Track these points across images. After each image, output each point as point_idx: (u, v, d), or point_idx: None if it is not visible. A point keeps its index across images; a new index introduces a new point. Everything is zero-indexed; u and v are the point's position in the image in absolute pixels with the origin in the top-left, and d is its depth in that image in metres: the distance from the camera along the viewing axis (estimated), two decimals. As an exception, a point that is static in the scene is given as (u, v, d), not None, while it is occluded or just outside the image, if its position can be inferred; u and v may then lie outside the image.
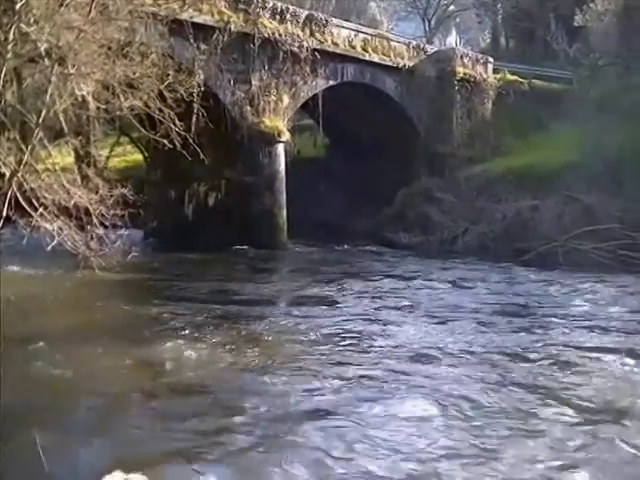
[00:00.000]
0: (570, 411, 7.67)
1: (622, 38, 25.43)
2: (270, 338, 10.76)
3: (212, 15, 21.08)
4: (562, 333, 11.44)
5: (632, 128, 23.41)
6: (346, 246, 23.66)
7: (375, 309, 13.42)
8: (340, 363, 9.37)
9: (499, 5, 43.68)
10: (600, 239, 20.30)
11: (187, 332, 10.73)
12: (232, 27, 21.35)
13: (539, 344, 10.59)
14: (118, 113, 15.00)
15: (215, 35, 20.83)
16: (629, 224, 20.25)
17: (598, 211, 21.15)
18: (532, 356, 9.93)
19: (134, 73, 14.42)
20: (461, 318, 12.63)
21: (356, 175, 28.02)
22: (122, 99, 14.35)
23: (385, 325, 11.89)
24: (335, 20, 26.02)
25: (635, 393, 8.30)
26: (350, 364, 9.33)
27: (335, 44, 25.20)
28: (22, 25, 12.53)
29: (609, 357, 9.81)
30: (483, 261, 20.83)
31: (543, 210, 22.23)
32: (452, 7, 48.71)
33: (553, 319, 12.63)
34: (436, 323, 12.25)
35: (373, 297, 14.71)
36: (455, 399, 7.91)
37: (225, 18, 21.36)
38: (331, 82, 25.27)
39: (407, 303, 14.14)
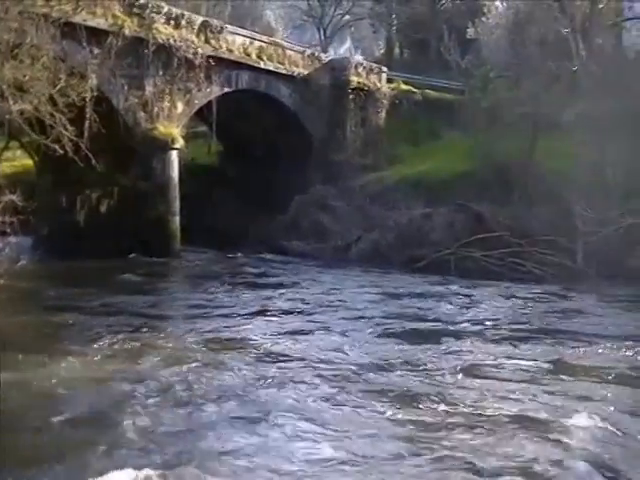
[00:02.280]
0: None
1: (512, 51, 26.09)
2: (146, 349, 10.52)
3: (106, 19, 20.45)
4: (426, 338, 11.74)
5: (521, 138, 24.08)
6: (240, 254, 23.37)
7: (255, 317, 13.48)
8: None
9: (393, 16, 44.26)
10: (490, 247, 20.71)
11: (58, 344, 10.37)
12: (126, 31, 20.79)
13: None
14: (7, 117, 14.39)
15: (109, 39, 20.26)
16: (518, 232, 20.72)
17: (488, 219, 21.58)
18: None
19: (24, 76, 13.92)
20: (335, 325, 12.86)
21: (251, 182, 27.80)
22: (11, 102, 13.81)
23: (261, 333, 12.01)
24: (230, 27, 25.73)
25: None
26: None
27: (230, 51, 24.93)
28: None
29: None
30: (375, 268, 20.99)
31: (435, 218, 22.48)
32: (347, 17, 48.96)
33: (429, 324, 13.01)
34: (316, 330, 12.40)
35: (257, 305, 14.72)
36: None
37: (119, 22, 20.77)
38: (226, 89, 24.98)
39: (288, 310, 14.25)
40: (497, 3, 31.21)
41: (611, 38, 25.39)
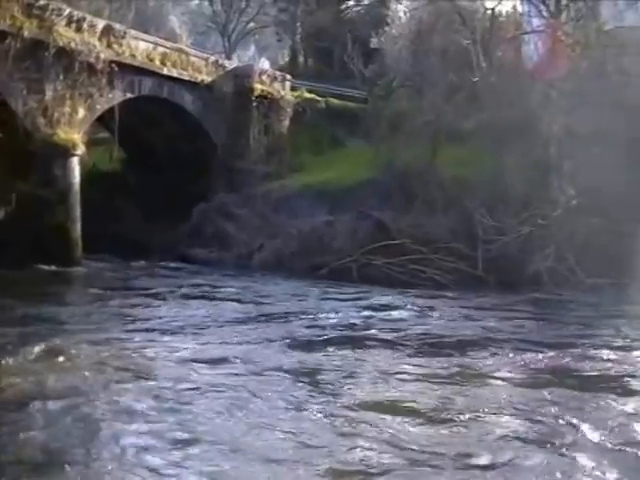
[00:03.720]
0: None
1: (415, 61, 26.39)
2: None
3: (4, 19, 19.69)
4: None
5: (423, 147, 24.34)
6: (143, 262, 22.76)
7: (149, 326, 13.12)
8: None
9: (298, 24, 44.30)
10: (392, 254, 20.79)
11: None
12: (25, 33, 20.05)
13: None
14: None
15: (7, 40, 19.49)
16: (419, 239, 20.87)
17: (390, 227, 21.69)
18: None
19: None
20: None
21: (154, 189, 27.18)
22: None
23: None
24: (134, 32, 25.14)
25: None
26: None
27: (133, 56, 24.34)
28: None
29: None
30: (278, 276, 20.81)
31: (338, 226, 22.47)
32: (252, 24, 48.81)
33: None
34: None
35: (152, 314, 14.36)
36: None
37: (18, 23, 20.02)
38: (128, 95, 24.37)
39: (182, 319, 13.94)
40: (400, 14, 31.56)
41: (511, 50, 25.93)
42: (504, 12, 29.00)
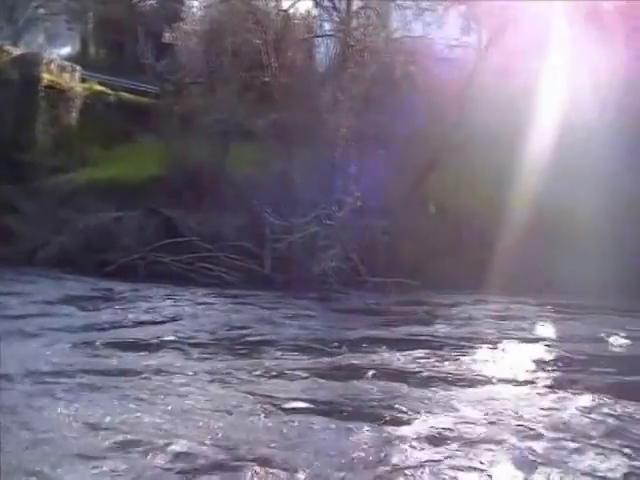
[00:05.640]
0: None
1: (207, 58, 26.17)
2: None
3: None
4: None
5: (215, 145, 24.26)
6: None
7: None
8: None
9: (90, 14, 42.79)
10: (181, 252, 20.59)
11: None
12: None
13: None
14: None
15: None
16: (208, 237, 20.81)
17: (179, 224, 21.49)
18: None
19: None
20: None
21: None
22: None
23: None
24: None
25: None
26: None
27: None
28: None
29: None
30: (64, 273, 20.11)
31: (126, 222, 22.01)
32: (41, 10, 46.61)
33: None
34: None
35: None
36: None
37: None
38: None
39: None
40: (195, 10, 31.24)
41: (302, 53, 26.31)
42: (298, 14, 29.37)
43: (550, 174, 19.61)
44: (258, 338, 12.59)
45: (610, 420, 7.90)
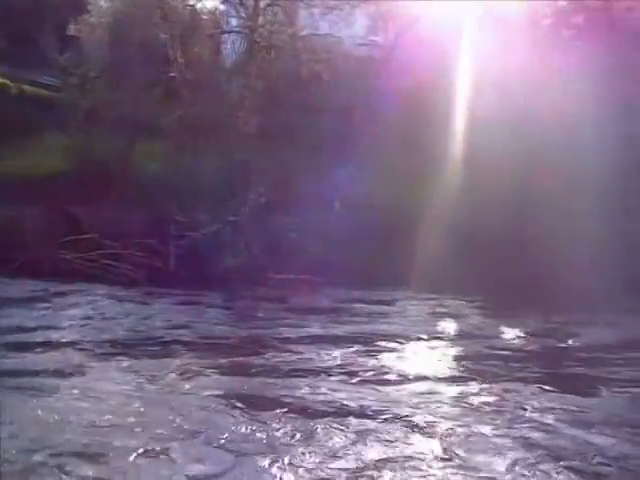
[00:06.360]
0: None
1: (113, 52, 25.82)
2: None
3: None
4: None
5: (121, 140, 23.91)
6: None
7: None
8: None
9: (-8, 3, 41.56)
10: (85, 249, 20.32)
11: None
12: None
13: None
14: None
15: None
16: (113, 234, 20.57)
17: (83, 221, 21.17)
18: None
19: None
20: None
21: None
22: None
23: None
24: None
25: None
26: None
27: None
28: None
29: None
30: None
31: (29, 218, 21.50)
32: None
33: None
34: None
35: None
36: None
37: None
38: None
39: None
40: (101, 2, 30.71)
41: (209, 48, 26.18)
42: (205, 10, 29.20)
43: (464, 171, 20.03)
44: (157, 335, 12.64)
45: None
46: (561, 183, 19.12)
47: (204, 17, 28.65)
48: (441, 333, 14.04)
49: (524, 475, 6.75)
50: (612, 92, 19.25)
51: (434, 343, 12.89)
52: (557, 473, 6.82)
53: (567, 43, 21.61)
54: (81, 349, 11.44)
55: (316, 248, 19.94)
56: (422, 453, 7.21)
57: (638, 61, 20.31)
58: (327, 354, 11.48)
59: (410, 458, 7.06)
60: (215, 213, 20.37)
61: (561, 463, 7.02)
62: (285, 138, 22.04)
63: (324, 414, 8.34)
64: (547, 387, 9.74)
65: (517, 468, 6.87)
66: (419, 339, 13.13)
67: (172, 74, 23.97)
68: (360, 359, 11.16)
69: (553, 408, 8.76)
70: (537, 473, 6.80)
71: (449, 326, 14.75)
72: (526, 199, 19.56)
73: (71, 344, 11.75)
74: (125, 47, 25.55)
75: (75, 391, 8.96)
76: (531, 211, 19.40)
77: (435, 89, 22.01)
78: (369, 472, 6.73)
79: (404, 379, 10.10)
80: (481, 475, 6.72)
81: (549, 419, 8.36)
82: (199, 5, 27.81)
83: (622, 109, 19.48)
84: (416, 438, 7.67)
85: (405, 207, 20.09)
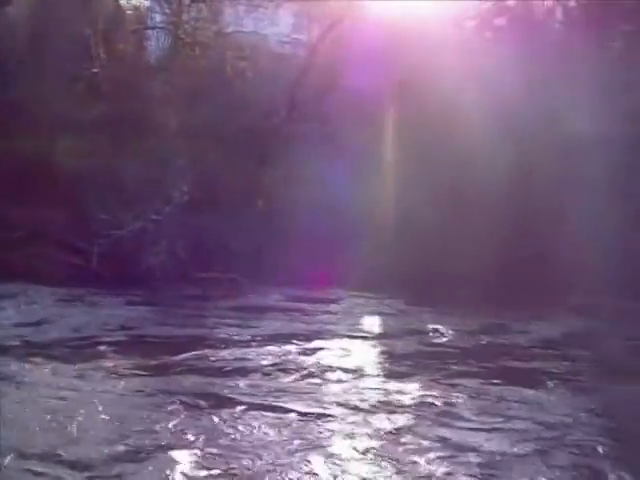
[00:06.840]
0: None
1: (32, 45, 25.36)
2: None
3: None
4: None
5: (42, 138, 23.47)
6: None
7: None
8: None
9: None
10: (8, 248, 19.95)
11: None
12: None
13: None
14: None
15: None
16: (34, 233, 20.40)
17: (4, 219, 20.78)
18: None
19: None
20: None
21: None
22: None
23: None
24: None
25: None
26: None
27: None
28: None
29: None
30: None
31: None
32: None
33: None
34: None
35: None
36: None
37: None
38: None
39: None
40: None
41: (133, 44, 25.98)
42: (130, 5, 28.88)
43: (396, 169, 20.24)
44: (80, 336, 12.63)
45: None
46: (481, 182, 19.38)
47: (128, 12, 28.35)
48: (383, 331, 14.23)
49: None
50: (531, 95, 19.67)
51: (374, 341, 13.08)
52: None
53: (489, 45, 21.97)
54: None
55: (244, 247, 20.02)
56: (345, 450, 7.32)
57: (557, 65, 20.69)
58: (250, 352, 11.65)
59: (333, 455, 7.18)
60: (138, 211, 20.25)
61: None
62: (209, 135, 22.05)
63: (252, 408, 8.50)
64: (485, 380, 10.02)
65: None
66: (358, 337, 13.28)
67: (95, 70, 23.72)
68: (292, 357, 11.32)
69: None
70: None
71: (392, 324, 14.88)
72: (463, 197, 19.72)
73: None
74: (46, 41, 25.11)
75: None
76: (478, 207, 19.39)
77: (359, 88, 22.18)
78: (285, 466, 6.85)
79: (341, 376, 10.26)
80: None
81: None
82: (123, 0, 27.57)
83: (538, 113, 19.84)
84: (343, 435, 7.80)
85: (342, 207, 19.92)
